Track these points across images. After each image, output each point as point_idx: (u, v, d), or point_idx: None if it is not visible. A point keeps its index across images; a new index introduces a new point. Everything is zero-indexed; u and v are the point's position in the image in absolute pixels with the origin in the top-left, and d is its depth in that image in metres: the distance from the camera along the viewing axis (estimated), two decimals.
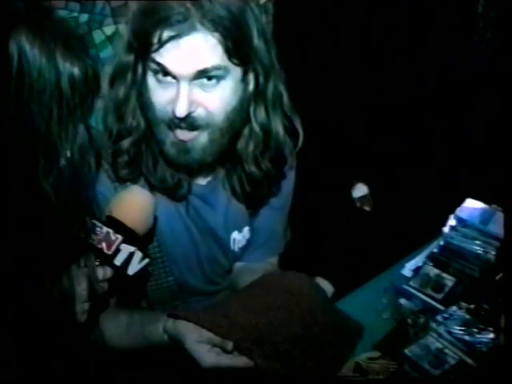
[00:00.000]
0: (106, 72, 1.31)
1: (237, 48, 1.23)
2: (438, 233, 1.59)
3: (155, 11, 1.22)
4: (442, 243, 1.55)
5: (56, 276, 0.97)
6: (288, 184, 1.54)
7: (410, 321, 1.37)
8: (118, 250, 1.17)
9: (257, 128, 1.35)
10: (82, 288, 1.10)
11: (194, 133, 1.27)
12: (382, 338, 1.36)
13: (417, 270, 1.51)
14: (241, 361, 1.21)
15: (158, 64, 1.23)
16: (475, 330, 1.31)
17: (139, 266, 1.19)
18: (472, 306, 1.37)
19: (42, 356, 0.96)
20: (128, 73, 1.30)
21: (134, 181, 1.35)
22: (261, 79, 1.31)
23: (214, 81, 1.24)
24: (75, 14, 2.23)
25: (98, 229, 1.16)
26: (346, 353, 1.32)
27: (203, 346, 1.22)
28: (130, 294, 1.40)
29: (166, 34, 1.20)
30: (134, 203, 1.24)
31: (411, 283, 1.47)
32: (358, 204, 2.50)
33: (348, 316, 1.40)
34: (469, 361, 1.25)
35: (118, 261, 1.18)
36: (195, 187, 1.41)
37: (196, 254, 1.47)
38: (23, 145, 0.87)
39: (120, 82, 1.31)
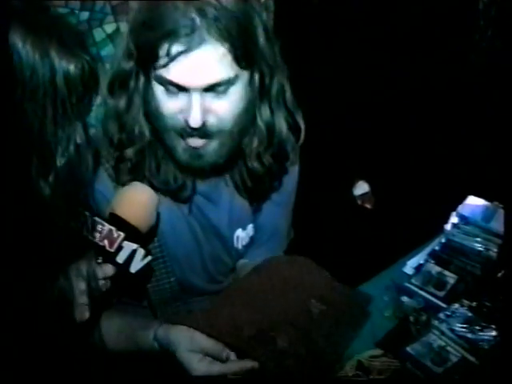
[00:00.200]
0: (106, 72, 1.29)
1: (245, 52, 1.22)
2: (440, 230, 1.59)
3: (159, 24, 1.18)
4: (443, 241, 1.55)
5: (55, 276, 0.97)
6: (291, 180, 1.53)
7: (411, 318, 1.36)
8: (120, 248, 1.17)
9: (261, 125, 1.34)
10: (81, 288, 1.10)
11: (206, 139, 1.26)
12: (383, 335, 1.35)
13: (419, 268, 1.51)
14: (232, 369, 1.21)
15: (168, 79, 1.21)
16: (477, 327, 1.31)
17: (141, 264, 1.18)
18: (474, 303, 1.37)
19: (42, 356, 0.96)
20: (129, 81, 1.28)
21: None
22: (266, 78, 1.30)
23: (223, 87, 1.23)
24: (75, 12, 2.22)
25: (100, 226, 1.16)
26: (356, 326, 1.35)
27: (195, 355, 1.21)
28: (132, 293, 1.39)
29: (175, 48, 1.18)
30: (137, 200, 1.24)
31: (413, 281, 1.47)
32: (360, 202, 2.50)
33: (354, 290, 1.43)
34: (471, 358, 1.25)
35: (121, 258, 1.17)
36: (198, 185, 1.40)
37: (199, 253, 1.46)
38: (17, 144, 0.86)
39: (121, 91, 1.29)
